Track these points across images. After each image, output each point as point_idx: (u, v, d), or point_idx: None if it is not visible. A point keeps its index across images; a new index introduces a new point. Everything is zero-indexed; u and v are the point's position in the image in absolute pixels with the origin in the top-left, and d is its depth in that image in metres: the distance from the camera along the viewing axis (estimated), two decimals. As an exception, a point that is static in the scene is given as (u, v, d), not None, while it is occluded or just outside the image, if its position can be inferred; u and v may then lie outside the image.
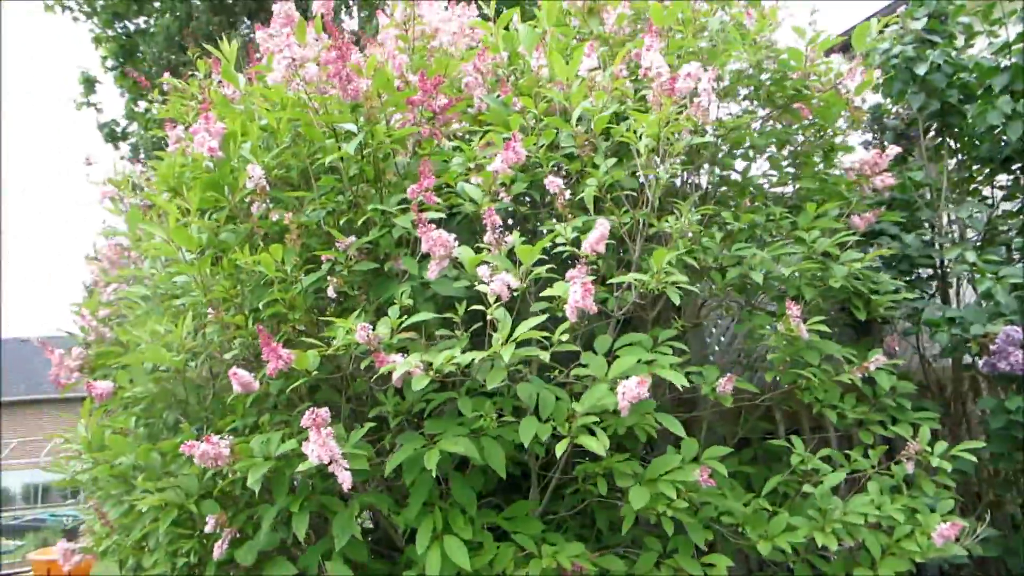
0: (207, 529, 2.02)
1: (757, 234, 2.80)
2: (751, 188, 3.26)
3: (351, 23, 9.09)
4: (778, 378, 2.60)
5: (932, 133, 3.69)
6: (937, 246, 3.34)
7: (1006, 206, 3.65)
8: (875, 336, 3.44)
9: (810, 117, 3.07)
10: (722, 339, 3.75)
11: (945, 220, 3.56)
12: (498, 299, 1.95)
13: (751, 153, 3.27)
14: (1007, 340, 2.52)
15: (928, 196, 3.53)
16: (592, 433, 1.96)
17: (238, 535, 2.13)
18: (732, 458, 2.79)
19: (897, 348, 3.12)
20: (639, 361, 2.09)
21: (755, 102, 3.21)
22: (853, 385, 2.79)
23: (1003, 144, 3.24)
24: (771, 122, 3.27)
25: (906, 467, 2.50)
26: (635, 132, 2.23)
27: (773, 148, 3.31)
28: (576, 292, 1.89)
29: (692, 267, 2.52)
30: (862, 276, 2.94)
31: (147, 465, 2.12)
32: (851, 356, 2.73)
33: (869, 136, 3.86)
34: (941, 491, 2.50)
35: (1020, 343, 2.54)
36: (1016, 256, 3.38)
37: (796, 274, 2.56)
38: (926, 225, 3.49)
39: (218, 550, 2.01)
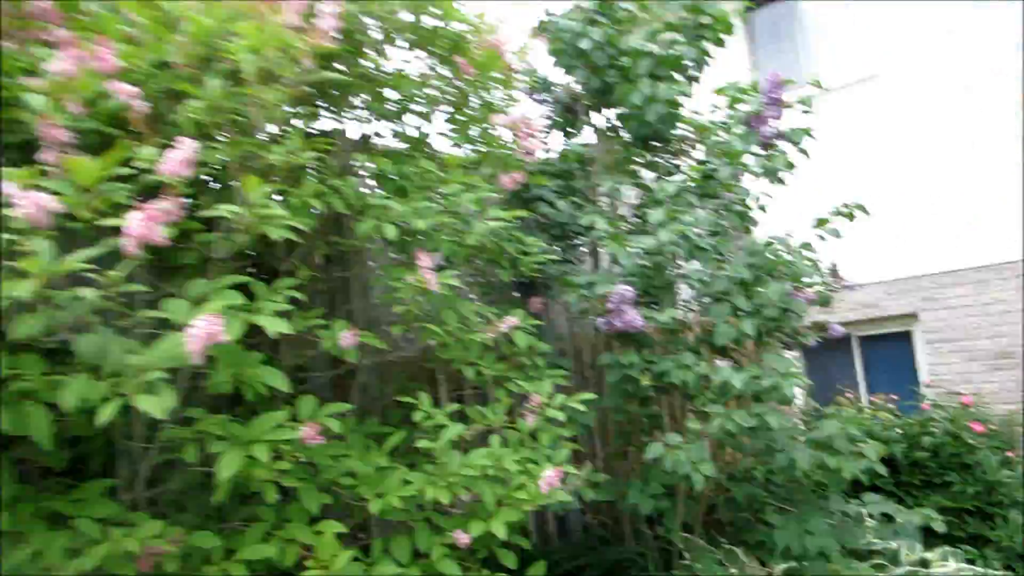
0: None
1: (405, 186, 2.72)
2: (424, 143, 3.20)
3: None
4: (412, 336, 2.55)
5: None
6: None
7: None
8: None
9: (471, 73, 3.07)
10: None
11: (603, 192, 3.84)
12: (34, 226, 1.59)
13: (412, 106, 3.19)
14: (620, 299, 2.74)
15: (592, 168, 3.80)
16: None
17: None
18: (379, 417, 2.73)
19: (545, 309, 3.30)
20: (233, 307, 1.87)
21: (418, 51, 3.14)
22: (497, 344, 2.90)
23: (646, 124, 3.55)
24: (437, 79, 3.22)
25: (527, 421, 2.62)
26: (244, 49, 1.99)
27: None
28: (136, 220, 1.61)
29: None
30: (512, 238, 3.04)
31: None
32: (491, 315, 2.80)
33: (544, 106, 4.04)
34: (560, 442, 2.66)
35: (632, 301, 2.78)
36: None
37: (435, 228, 2.52)
38: (584, 195, 3.74)
39: None
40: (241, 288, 2.00)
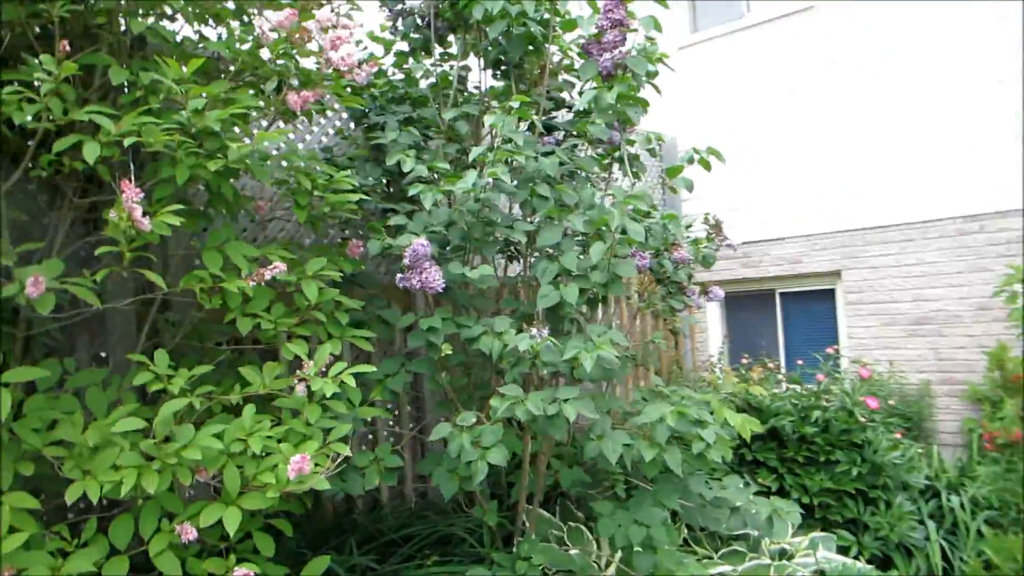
0: None
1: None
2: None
3: None
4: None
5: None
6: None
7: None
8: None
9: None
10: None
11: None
12: None
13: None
14: (415, 255, 2.41)
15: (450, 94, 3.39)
16: None
17: None
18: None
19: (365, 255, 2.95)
20: None
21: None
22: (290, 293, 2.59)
23: (497, 45, 3.15)
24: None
25: (298, 389, 2.32)
26: None
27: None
28: None
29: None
30: (312, 170, 2.69)
31: None
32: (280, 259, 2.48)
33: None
34: (330, 418, 2.37)
35: (429, 257, 2.45)
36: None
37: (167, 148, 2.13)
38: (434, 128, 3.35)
39: None
40: None
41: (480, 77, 3.48)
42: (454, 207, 2.69)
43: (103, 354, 3.02)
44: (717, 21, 6.61)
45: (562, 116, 3.73)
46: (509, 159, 2.66)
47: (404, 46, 3.56)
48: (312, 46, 2.71)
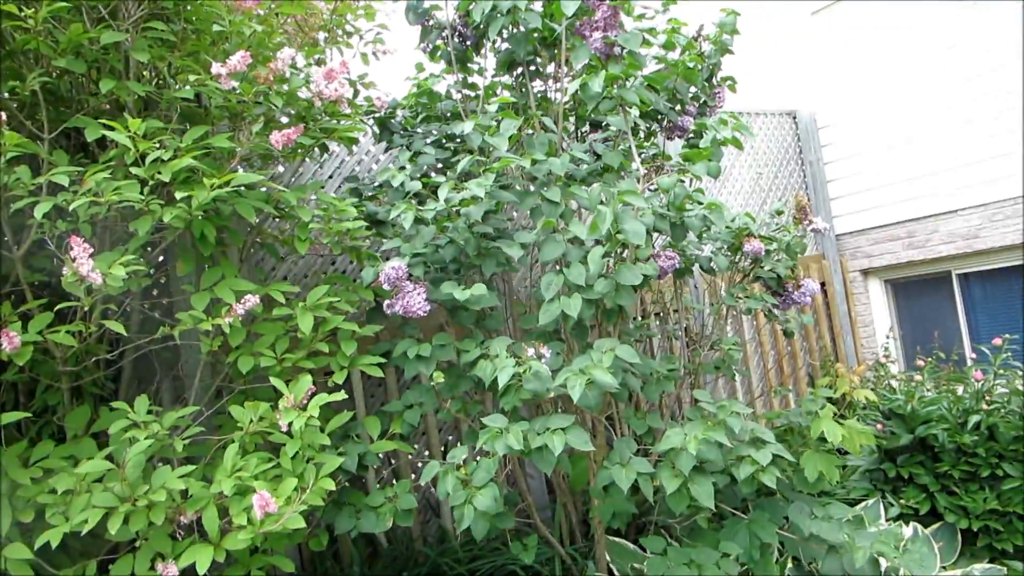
0: None
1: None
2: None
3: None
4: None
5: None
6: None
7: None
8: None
9: None
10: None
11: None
12: None
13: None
14: (389, 280, 2.24)
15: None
16: None
17: None
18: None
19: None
20: None
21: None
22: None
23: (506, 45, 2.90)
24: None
25: (281, 424, 2.25)
26: None
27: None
28: None
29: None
30: (327, 201, 2.64)
31: None
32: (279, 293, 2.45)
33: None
34: (317, 452, 2.27)
35: (404, 279, 2.26)
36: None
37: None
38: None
39: None
40: None
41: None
42: (441, 224, 2.49)
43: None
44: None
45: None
46: (502, 168, 2.41)
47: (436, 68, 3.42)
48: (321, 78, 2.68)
